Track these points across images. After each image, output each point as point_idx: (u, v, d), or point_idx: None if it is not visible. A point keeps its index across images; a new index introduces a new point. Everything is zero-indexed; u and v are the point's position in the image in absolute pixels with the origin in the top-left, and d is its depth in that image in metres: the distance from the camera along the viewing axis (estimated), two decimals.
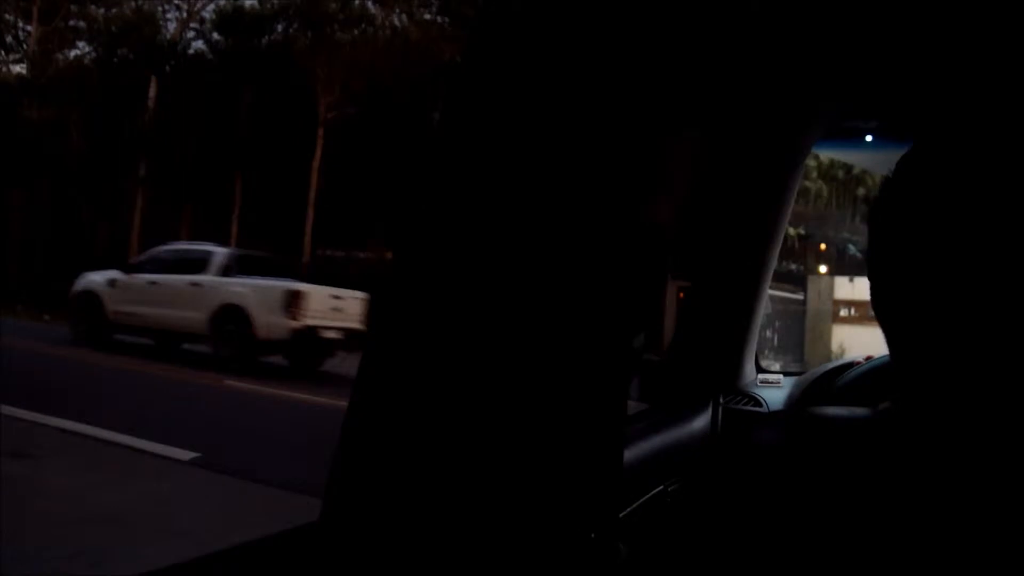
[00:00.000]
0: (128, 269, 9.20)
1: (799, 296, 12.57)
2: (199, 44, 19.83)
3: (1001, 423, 0.41)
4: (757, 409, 1.24)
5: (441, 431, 0.30)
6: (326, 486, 0.32)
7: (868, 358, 1.22)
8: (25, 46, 19.79)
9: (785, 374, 1.33)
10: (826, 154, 1.41)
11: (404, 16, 18.02)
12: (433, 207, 0.32)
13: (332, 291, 8.44)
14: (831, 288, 12.30)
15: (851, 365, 1.23)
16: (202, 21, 19.75)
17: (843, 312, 11.70)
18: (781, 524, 0.43)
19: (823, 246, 15.28)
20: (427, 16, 17.75)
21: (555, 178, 0.30)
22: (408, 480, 0.30)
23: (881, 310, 0.46)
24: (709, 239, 1.19)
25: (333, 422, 0.35)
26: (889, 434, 0.44)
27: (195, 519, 2.85)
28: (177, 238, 16.57)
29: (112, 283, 9.03)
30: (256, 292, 8.09)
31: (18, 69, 19.68)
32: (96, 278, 9.28)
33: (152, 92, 18.71)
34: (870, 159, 1.28)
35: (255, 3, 18.62)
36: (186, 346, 8.82)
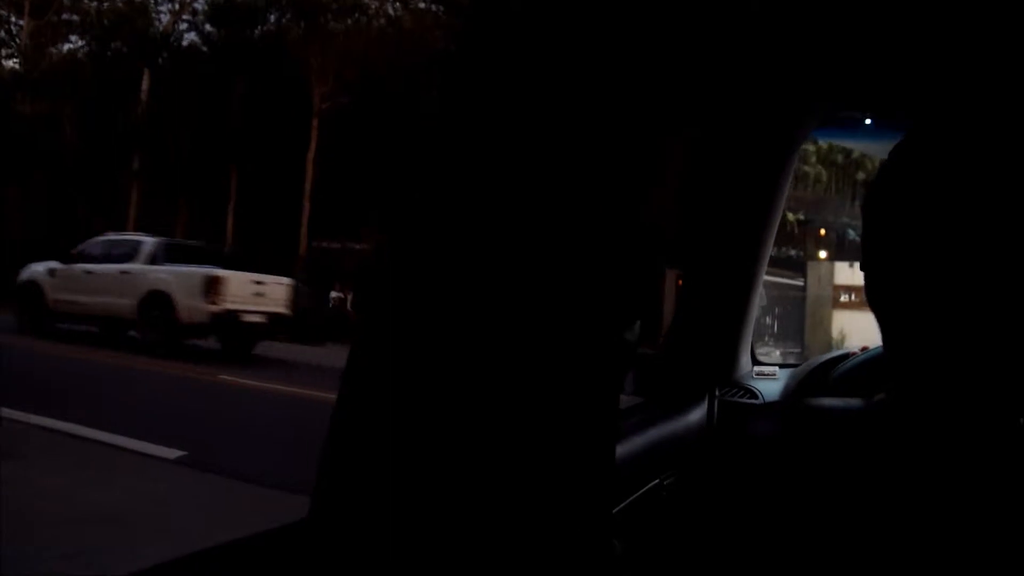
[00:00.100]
0: (67, 259, 9.57)
1: (799, 282, 12.58)
2: (192, 36, 19.75)
3: (993, 412, 0.41)
4: (753, 401, 1.24)
5: (432, 426, 0.30)
6: (315, 481, 0.32)
7: (864, 349, 1.22)
8: (17, 40, 19.69)
9: (781, 366, 1.32)
10: (825, 140, 1.40)
11: (398, 4, 17.89)
12: (426, 196, 0.31)
13: (254, 277, 9.05)
14: (831, 274, 12.31)
15: (847, 356, 1.23)
16: (195, 13, 19.64)
17: (843, 298, 11.72)
18: (777, 515, 0.43)
19: (823, 231, 15.28)
20: (421, 4, 17.62)
21: (550, 172, 0.30)
22: (398, 475, 0.29)
23: (875, 300, 0.46)
24: (703, 232, 1.19)
25: (323, 416, 0.34)
26: (883, 425, 0.45)
27: (189, 518, 2.84)
28: (172, 233, 16.59)
29: (52, 273, 9.48)
30: (178, 279, 8.57)
31: (11, 63, 19.60)
32: (38, 268, 9.70)
33: (145, 85, 18.63)
34: (869, 144, 1.27)
35: None
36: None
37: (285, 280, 9.67)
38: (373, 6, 18.04)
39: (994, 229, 0.40)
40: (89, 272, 9.11)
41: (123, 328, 9.01)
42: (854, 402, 0.49)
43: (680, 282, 1.24)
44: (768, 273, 1.27)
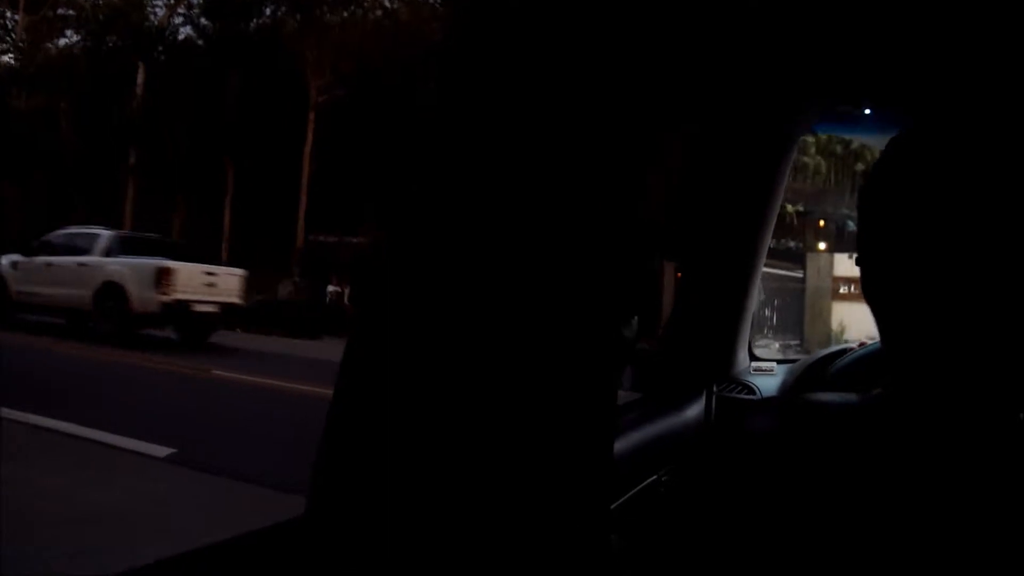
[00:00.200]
0: (29, 252, 9.82)
1: (798, 274, 12.59)
2: (187, 30, 19.65)
3: (990, 406, 0.41)
4: (750, 397, 1.23)
5: (429, 421, 0.29)
6: (311, 477, 0.32)
7: (862, 344, 1.21)
8: (13, 35, 19.58)
9: (779, 362, 1.32)
10: (825, 133, 1.40)
11: None
12: (424, 189, 0.31)
13: (205, 268, 9.47)
14: (830, 265, 12.32)
15: (845, 352, 1.23)
16: (190, 6, 19.52)
17: (843, 289, 11.73)
18: (775, 510, 0.43)
19: (822, 222, 15.27)
20: None
21: (548, 168, 0.29)
22: (395, 470, 0.29)
23: (872, 295, 0.46)
24: (701, 229, 1.18)
25: (321, 411, 0.33)
26: (880, 420, 0.45)
27: (189, 518, 2.83)
28: (169, 228, 16.54)
29: (15, 265, 9.75)
30: (131, 270, 8.93)
31: (6, 59, 19.50)
32: (2, 261, 9.92)
33: (140, 79, 18.54)
34: (869, 135, 1.26)
35: None
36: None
37: (238, 271, 10.00)
38: None
39: (990, 223, 0.40)
40: (49, 264, 9.39)
41: (84, 319, 9.23)
42: (851, 397, 0.49)
43: (679, 275, 1.24)
44: (767, 265, 1.27)
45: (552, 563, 0.30)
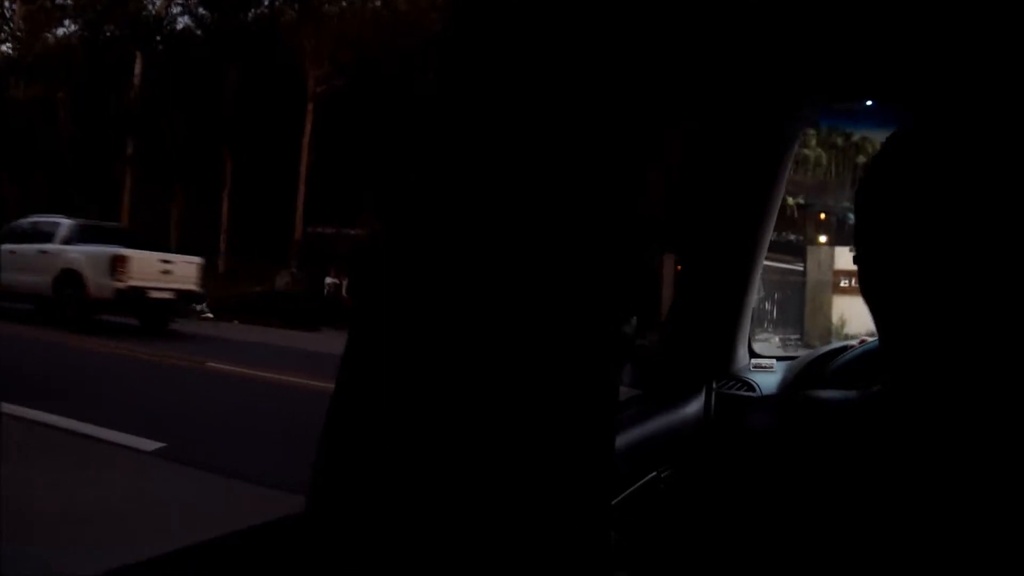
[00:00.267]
0: None
1: (799, 267, 12.59)
2: (185, 20, 19.54)
3: (988, 403, 0.41)
4: (750, 394, 1.23)
5: (429, 417, 0.29)
6: (311, 472, 0.32)
7: (862, 341, 1.21)
8: (10, 25, 19.48)
9: (779, 359, 1.32)
10: (827, 126, 1.40)
11: None
12: (422, 181, 0.31)
13: (161, 256, 9.89)
14: (831, 258, 12.31)
15: (845, 349, 1.22)
16: None
17: (843, 283, 11.72)
18: (774, 507, 0.44)
19: (823, 215, 15.26)
20: None
21: (548, 163, 0.29)
22: (395, 465, 0.29)
23: (869, 293, 0.46)
24: (701, 225, 1.18)
25: (321, 405, 0.33)
26: (879, 416, 0.45)
27: (189, 517, 2.81)
28: (167, 219, 16.52)
29: None
30: (88, 257, 9.32)
31: (4, 48, 19.42)
32: None
33: (138, 69, 18.46)
34: (871, 129, 1.25)
35: None
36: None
37: (195, 259, 10.27)
38: None
39: (988, 220, 0.40)
40: (12, 252, 9.71)
41: (48, 305, 9.56)
42: (851, 394, 0.49)
43: (679, 268, 1.24)
44: (767, 258, 1.27)
45: (552, 559, 0.30)
